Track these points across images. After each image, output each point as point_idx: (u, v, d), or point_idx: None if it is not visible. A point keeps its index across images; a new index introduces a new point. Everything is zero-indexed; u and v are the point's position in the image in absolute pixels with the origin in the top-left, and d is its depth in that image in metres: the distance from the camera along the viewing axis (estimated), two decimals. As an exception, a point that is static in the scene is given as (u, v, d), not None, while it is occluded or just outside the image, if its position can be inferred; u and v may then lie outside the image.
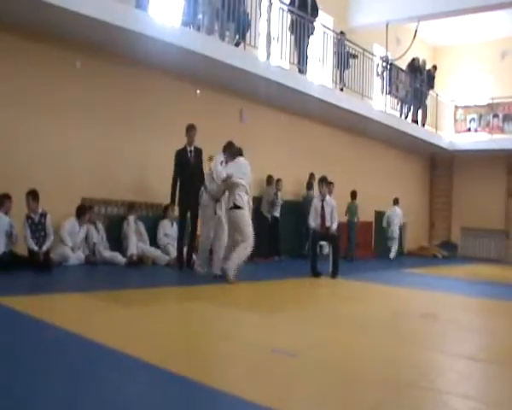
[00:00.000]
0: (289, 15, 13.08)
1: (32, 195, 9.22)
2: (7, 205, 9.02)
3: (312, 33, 13.64)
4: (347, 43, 15.40)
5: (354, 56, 15.51)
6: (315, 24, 13.78)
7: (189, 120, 12.02)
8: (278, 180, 14.00)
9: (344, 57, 15.17)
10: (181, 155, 10.31)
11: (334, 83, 15.17)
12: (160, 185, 11.62)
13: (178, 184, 10.19)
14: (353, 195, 16.21)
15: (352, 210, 16.01)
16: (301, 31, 13.25)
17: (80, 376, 3.72)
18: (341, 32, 15.20)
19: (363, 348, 5.07)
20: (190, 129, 10.38)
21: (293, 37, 13.23)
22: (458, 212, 22.28)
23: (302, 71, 13.24)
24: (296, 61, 13.36)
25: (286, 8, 12.98)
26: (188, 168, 10.21)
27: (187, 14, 10.82)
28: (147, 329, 5.29)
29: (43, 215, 9.37)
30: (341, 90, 14.60)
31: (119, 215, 11.11)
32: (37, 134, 9.94)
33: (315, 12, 13.80)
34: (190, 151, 10.35)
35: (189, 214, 10.34)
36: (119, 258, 10.44)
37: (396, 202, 17.71)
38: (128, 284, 8.71)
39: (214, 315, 6.23)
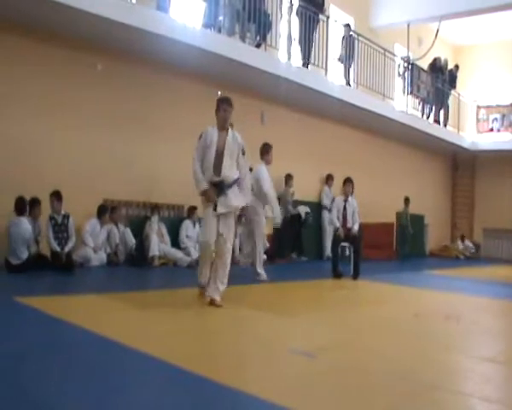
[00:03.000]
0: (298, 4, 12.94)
1: (57, 196, 9.29)
2: (36, 211, 9.08)
3: (316, 29, 13.36)
4: (365, 40, 15.31)
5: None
6: (321, 19, 13.51)
7: (211, 122, 12.01)
8: (289, 177, 13.90)
9: (350, 50, 14.83)
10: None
11: (355, 83, 15.13)
12: (181, 187, 11.67)
13: None
14: (406, 201, 17.37)
15: (403, 216, 17.28)
16: (308, 24, 13.04)
17: (101, 375, 3.76)
18: (347, 25, 14.94)
19: (384, 350, 5.06)
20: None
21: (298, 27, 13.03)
22: (480, 212, 22.12)
23: (306, 64, 13.03)
24: (301, 56, 13.15)
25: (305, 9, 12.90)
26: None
27: (208, 16, 10.86)
28: (167, 330, 5.32)
29: (67, 217, 9.43)
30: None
31: (141, 216, 11.17)
32: (60, 135, 10.01)
33: (320, 7, 13.52)
34: None
35: None
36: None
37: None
38: (150, 286, 8.77)
39: (233, 316, 6.24)
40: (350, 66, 14.82)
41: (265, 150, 9.65)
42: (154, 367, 4.02)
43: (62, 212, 9.38)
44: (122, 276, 9.52)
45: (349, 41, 14.68)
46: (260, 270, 9.40)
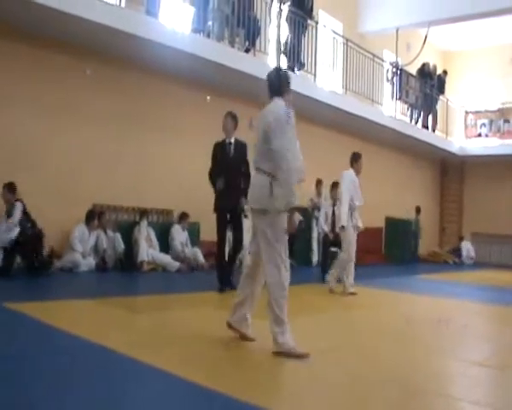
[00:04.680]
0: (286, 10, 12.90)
1: (8, 187, 8.75)
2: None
3: (304, 33, 13.33)
4: (354, 46, 15.35)
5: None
6: (309, 25, 13.48)
7: (199, 126, 12.11)
8: None
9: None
10: (217, 149, 8.63)
11: (344, 88, 15.16)
12: (170, 191, 11.68)
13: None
14: (418, 210, 19.33)
15: (414, 223, 19.02)
16: (296, 28, 13.01)
17: (90, 382, 3.73)
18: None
19: (375, 354, 5.06)
20: (226, 117, 8.70)
21: (288, 33, 13.01)
22: (469, 217, 22.20)
23: (292, 68, 13.00)
24: (290, 61, 13.09)
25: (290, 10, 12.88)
26: (227, 166, 8.40)
27: (197, 21, 10.86)
28: (157, 334, 5.29)
29: (14, 205, 8.64)
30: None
31: (130, 221, 11.13)
32: (48, 140, 9.99)
33: (309, 13, 13.50)
34: (230, 144, 8.58)
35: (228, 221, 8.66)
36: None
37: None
38: (139, 291, 8.75)
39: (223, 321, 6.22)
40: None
41: (354, 159, 9.48)
42: (145, 374, 3.99)
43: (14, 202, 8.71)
44: (111, 281, 9.48)
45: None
46: None
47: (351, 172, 9.34)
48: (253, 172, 5.13)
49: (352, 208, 9.17)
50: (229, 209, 8.39)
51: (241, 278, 5.19)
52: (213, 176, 8.43)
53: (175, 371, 3.95)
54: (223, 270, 8.53)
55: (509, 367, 4.96)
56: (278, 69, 5.62)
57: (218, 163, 8.49)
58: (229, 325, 5.10)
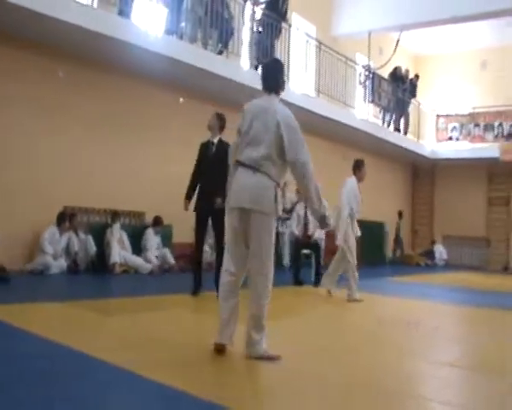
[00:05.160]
0: (260, 13, 12.95)
1: None
2: None
3: (278, 37, 13.36)
4: (326, 49, 15.40)
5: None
6: (283, 28, 13.50)
7: (172, 128, 12.08)
8: None
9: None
10: (202, 149, 8.47)
11: (316, 91, 15.20)
12: (142, 194, 11.62)
13: (199, 185, 8.32)
14: (400, 214, 20.87)
15: (397, 227, 20.69)
16: (269, 31, 12.96)
17: (63, 385, 3.69)
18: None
19: (345, 356, 5.07)
20: (212, 116, 8.55)
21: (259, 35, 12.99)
22: (440, 220, 22.42)
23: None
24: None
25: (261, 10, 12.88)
26: (207, 165, 8.24)
27: (170, 23, 10.82)
28: (128, 337, 5.25)
29: None
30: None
31: (102, 224, 11.04)
32: (19, 141, 9.88)
33: (283, 16, 13.50)
34: (213, 144, 8.38)
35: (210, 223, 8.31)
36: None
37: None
38: (111, 293, 8.69)
39: (197, 323, 6.20)
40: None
41: (357, 166, 9.34)
42: (114, 376, 3.95)
43: None
44: (82, 283, 9.40)
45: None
46: None
47: (353, 179, 9.21)
48: (247, 170, 4.63)
49: (351, 217, 9.07)
50: (206, 210, 8.12)
51: (221, 293, 4.72)
52: (192, 179, 8.35)
53: (147, 374, 3.92)
54: (199, 272, 8.28)
55: (479, 368, 5.00)
56: (279, 60, 5.37)
57: (200, 163, 8.38)
58: (222, 347, 4.61)
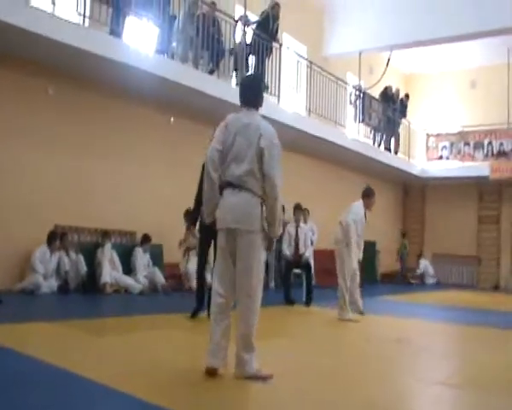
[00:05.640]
0: (252, 35, 13.06)
1: None
2: None
3: (269, 56, 13.47)
4: (317, 69, 15.49)
5: None
6: (274, 47, 13.58)
7: (163, 148, 12.09)
8: None
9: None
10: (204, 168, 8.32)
11: (307, 110, 15.26)
12: (133, 213, 11.61)
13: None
14: (403, 235, 21.66)
15: (401, 246, 21.18)
16: (261, 51, 13.06)
17: (51, 405, 3.67)
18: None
19: (335, 375, 5.06)
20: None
21: (254, 57, 13.12)
22: (431, 238, 22.47)
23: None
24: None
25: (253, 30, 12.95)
26: None
27: (161, 42, 10.86)
28: (119, 358, 5.24)
29: None
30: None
31: (92, 243, 11.01)
32: (10, 159, 9.86)
33: (274, 36, 13.57)
34: None
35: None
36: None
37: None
38: (102, 313, 8.65)
39: (187, 343, 6.19)
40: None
41: (366, 194, 9.43)
42: (106, 396, 3.94)
43: None
44: (73, 303, 9.36)
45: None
46: None
47: (361, 204, 9.30)
48: (232, 189, 4.60)
49: (357, 242, 9.10)
50: (211, 231, 7.94)
51: (212, 315, 4.65)
52: (197, 202, 7.83)
53: (135, 394, 3.91)
54: (201, 293, 8.02)
55: (469, 386, 5.00)
56: (257, 76, 5.34)
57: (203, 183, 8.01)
58: (214, 371, 4.51)
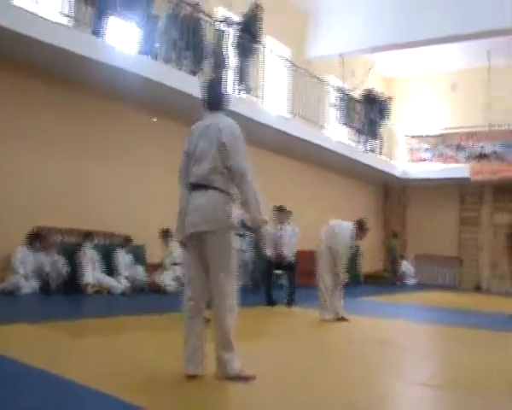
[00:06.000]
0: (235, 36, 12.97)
1: None
2: None
3: (251, 57, 13.41)
4: (301, 71, 15.52)
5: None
6: (257, 49, 13.59)
7: (145, 148, 12.03)
8: None
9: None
10: None
11: (291, 113, 15.28)
12: (115, 213, 11.56)
13: None
14: (394, 235, 21.68)
15: (393, 247, 21.30)
16: (244, 53, 13.08)
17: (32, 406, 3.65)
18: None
19: (318, 377, 5.07)
20: None
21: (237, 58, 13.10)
22: (412, 239, 22.57)
23: (238, 92, 13.05)
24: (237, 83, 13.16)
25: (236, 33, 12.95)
26: None
27: (144, 43, 10.83)
28: (103, 359, 5.22)
29: None
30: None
31: (74, 244, 10.94)
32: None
33: (256, 38, 13.55)
34: None
35: None
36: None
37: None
38: (84, 314, 8.61)
39: (166, 343, 6.17)
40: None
41: (360, 227, 9.30)
42: (88, 398, 3.93)
43: None
44: (54, 304, 9.30)
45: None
46: None
47: (352, 229, 9.21)
48: (198, 190, 4.59)
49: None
50: None
51: (185, 320, 4.63)
52: None
53: (117, 394, 3.90)
54: None
55: (451, 386, 5.04)
56: (217, 77, 5.30)
57: None
58: (193, 377, 4.51)
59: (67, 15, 9.55)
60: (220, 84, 5.10)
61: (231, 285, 4.52)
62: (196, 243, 4.57)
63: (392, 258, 21.36)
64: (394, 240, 21.69)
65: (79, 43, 9.30)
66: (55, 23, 9.17)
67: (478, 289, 20.82)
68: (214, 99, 4.83)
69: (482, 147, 20.43)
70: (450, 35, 16.26)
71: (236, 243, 4.63)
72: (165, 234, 11.61)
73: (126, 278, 11.20)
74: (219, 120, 4.69)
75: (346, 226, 9.24)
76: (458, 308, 13.00)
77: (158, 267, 11.85)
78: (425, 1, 16.23)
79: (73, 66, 9.95)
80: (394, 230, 22.17)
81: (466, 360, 6.38)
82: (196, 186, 4.60)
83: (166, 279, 11.56)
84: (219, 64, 12.51)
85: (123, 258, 11.36)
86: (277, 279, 11.42)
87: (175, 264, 11.62)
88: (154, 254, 11.97)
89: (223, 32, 12.59)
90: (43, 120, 10.55)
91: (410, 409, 4.29)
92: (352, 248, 9.32)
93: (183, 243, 4.76)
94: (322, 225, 9.60)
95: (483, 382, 5.27)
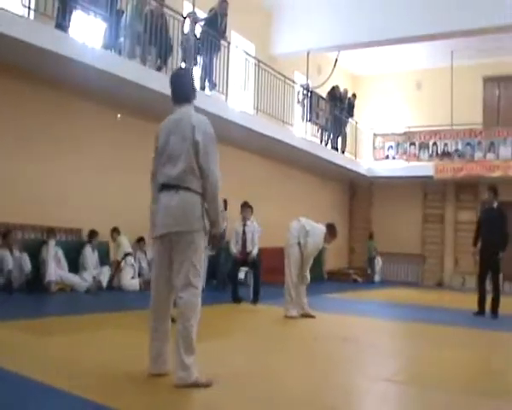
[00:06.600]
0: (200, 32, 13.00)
1: None
2: None
3: (217, 53, 13.40)
4: (265, 67, 15.51)
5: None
6: (222, 45, 13.58)
7: (109, 145, 11.90)
8: None
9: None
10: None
11: (255, 109, 15.26)
12: (79, 209, 11.42)
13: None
14: (371, 235, 22.25)
15: (370, 247, 21.82)
16: (209, 49, 13.03)
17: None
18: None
19: (282, 374, 5.06)
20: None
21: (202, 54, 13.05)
22: (377, 237, 22.74)
23: (203, 88, 13.02)
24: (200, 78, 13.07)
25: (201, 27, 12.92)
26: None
27: (108, 38, 10.71)
28: (66, 358, 5.15)
29: None
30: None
31: (37, 240, 10.78)
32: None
33: (222, 33, 13.53)
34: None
35: None
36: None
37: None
38: (47, 312, 8.50)
39: (134, 342, 6.11)
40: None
41: (330, 232, 9.32)
42: (54, 399, 3.86)
43: None
44: (17, 303, 9.15)
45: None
46: None
47: (322, 232, 9.24)
48: (169, 191, 4.45)
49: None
50: None
51: (150, 323, 4.58)
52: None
53: (81, 394, 3.85)
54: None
55: (415, 382, 5.07)
56: (185, 69, 5.13)
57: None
58: (157, 375, 4.49)
59: (29, 7, 9.36)
60: (188, 74, 4.95)
61: (195, 286, 4.42)
62: (167, 243, 4.48)
63: (370, 257, 21.79)
64: (370, 240, 22.21)
65: (40, 36, 9.12)
66: (16, 14, 8.98)
67: (440, 285, 21.14)
68: (182, 92, 4.67)
69: (445, 145, 20.69)
70: (415, 35, 16.44)
71: (205, 242, 4.55)
72: (113, 231, 11.99)
73: (94, 277, 11.08)
74: (191, 114, 4.56)
75: (320, 230, 9.27)
76: (421, 305, 13.13)
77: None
78: (390, 0, 16.37)
79: (34, 59, 9.77)
80: (371, 231, 22.64)
81: (429, 356, 6.44)
82: (166, 186, 4.47)
83: (125, 279, 11.60)
84: (185, 59, 12.48)
85: (90, 255, 11.23)
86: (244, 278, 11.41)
87: (127, 254, 11.88)
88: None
89: (188, 27, 12.54)
90: (11, 114, 10.36)
91: (374, 404, 4.30)
92: (321, 251, 9.37)
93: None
94: (288, 221, 9.60)
95: (446, 377, 5.31)
